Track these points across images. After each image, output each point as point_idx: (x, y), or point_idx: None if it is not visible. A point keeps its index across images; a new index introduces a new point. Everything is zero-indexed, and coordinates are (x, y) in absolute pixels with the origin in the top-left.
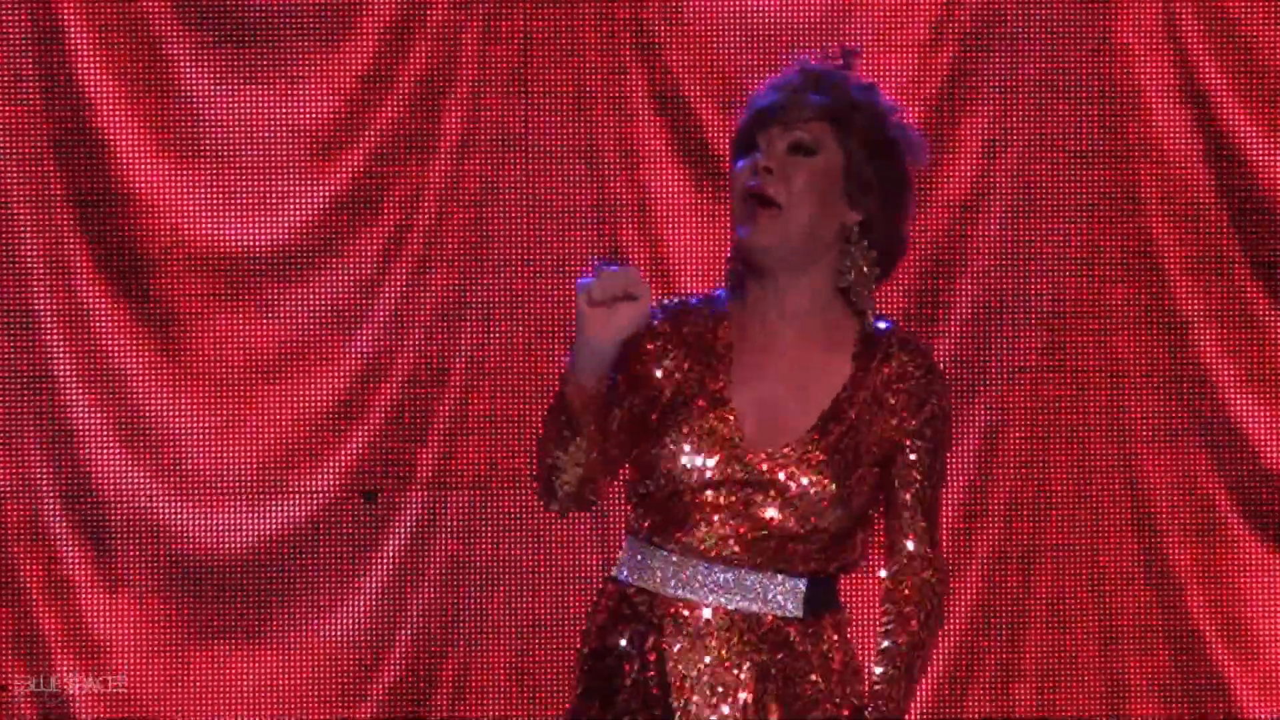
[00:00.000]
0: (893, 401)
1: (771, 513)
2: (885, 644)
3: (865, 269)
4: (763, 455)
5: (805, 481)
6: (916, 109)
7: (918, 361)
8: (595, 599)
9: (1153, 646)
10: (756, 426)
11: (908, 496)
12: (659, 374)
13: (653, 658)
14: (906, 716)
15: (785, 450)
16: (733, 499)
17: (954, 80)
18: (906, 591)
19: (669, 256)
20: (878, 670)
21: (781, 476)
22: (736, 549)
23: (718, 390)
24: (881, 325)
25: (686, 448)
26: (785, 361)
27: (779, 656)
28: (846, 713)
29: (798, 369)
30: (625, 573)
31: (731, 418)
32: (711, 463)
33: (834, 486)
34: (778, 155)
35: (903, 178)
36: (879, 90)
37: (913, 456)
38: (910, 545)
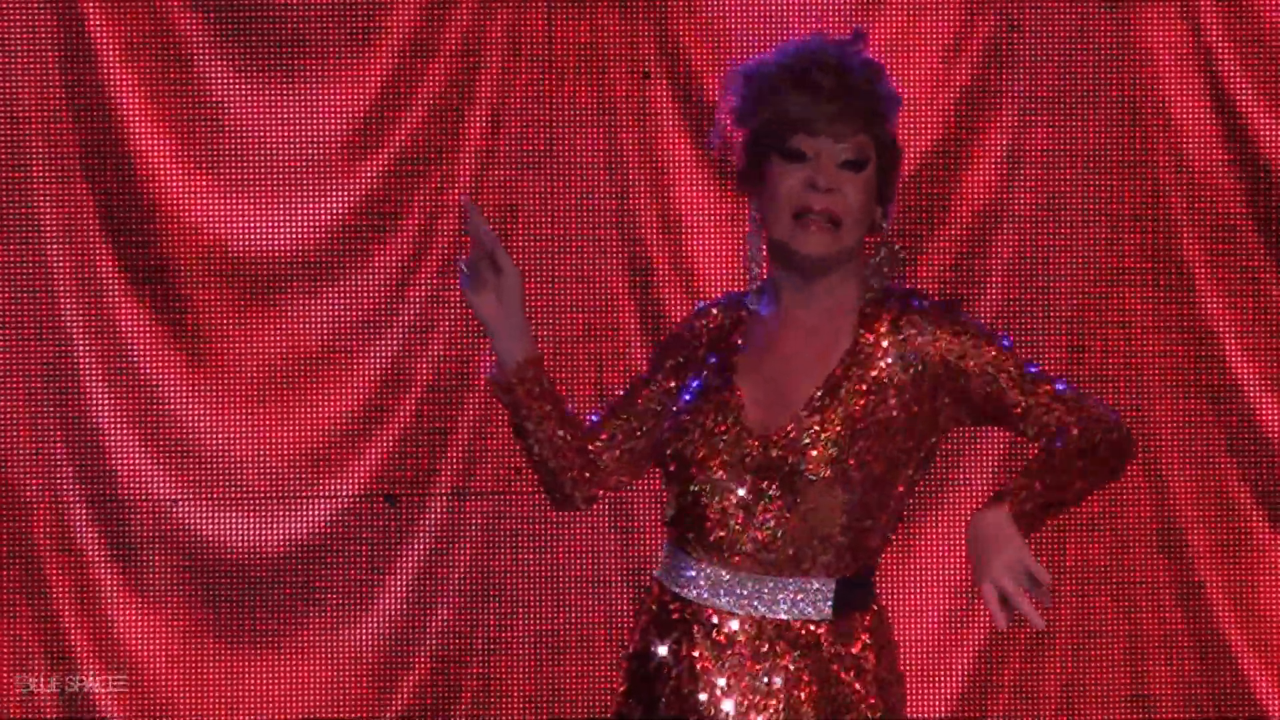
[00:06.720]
0: (912, 347)
1: (780, 495)
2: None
3: (892, 263)
4: (764, 436)
5: (806, 457)
6: (938, 115)
7: (920, 300)
8: (642, 597)
9: (1178, 653)
10: (759, 409)
11: (1005, 387)
12: (701, 353)
13: (688, 666)
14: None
15: (786, 429)
16: (744, 490)
17: (976, 87)
18: (1072, 438)
19: (693, 263)
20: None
21: (785, 456)
22: (759, 553)
23: (724, 380)
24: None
25: (691, 434)
26: (792, 340)
27: (809, 662)
28: (879, 716)
29: (803, 347)
30: (664, 575)
31: (734, 402)
32: (719, 447)
33: (833, 459)
34: (831, 172)
35: (900, 151)
36: (885, 72)
37: (971, 364)
38: (1046, 417)
